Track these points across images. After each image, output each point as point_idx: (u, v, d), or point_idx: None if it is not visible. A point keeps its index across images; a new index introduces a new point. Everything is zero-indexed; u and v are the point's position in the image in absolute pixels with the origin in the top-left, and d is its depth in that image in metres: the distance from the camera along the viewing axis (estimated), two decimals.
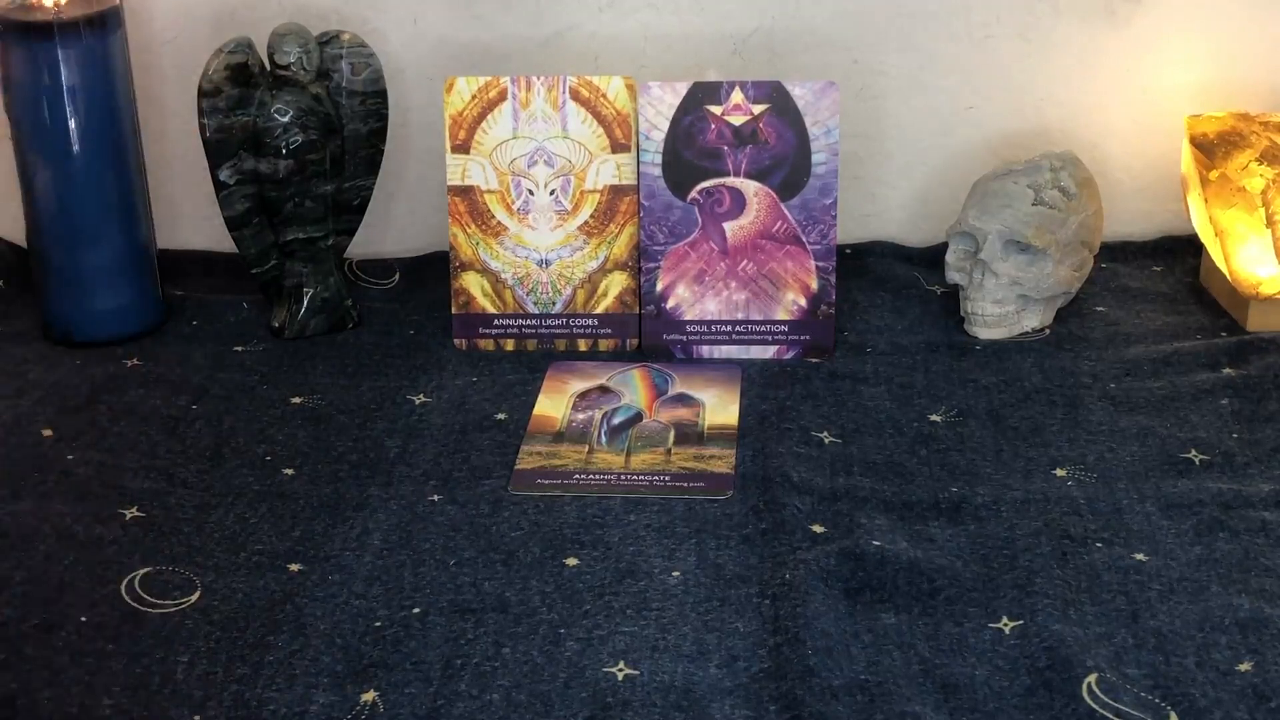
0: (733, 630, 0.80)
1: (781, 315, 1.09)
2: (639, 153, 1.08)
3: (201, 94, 1.06)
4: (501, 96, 1.07)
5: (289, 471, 0.95)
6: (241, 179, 1.08)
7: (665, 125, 1.07)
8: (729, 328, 1.09)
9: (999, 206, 1.09)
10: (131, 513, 0.91)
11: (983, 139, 1.24)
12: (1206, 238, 1.13)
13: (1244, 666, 0.77)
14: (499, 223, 1.09)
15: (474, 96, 1.07)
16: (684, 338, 1.10)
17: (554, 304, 1.10)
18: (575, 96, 1.07)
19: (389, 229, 1.26)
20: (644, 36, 1.21)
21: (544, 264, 1.10)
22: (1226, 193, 1.10)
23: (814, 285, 1.08)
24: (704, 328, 1.09)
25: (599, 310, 1.10)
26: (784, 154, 1.07)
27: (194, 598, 0.83)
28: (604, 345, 1.11)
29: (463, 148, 1.08)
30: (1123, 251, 1.23)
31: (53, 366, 1.08)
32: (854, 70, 1.21)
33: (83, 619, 0.81)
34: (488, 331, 1.11)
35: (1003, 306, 1.09)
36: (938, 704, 0.75)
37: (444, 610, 0.82)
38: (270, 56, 1.07)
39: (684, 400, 1.03)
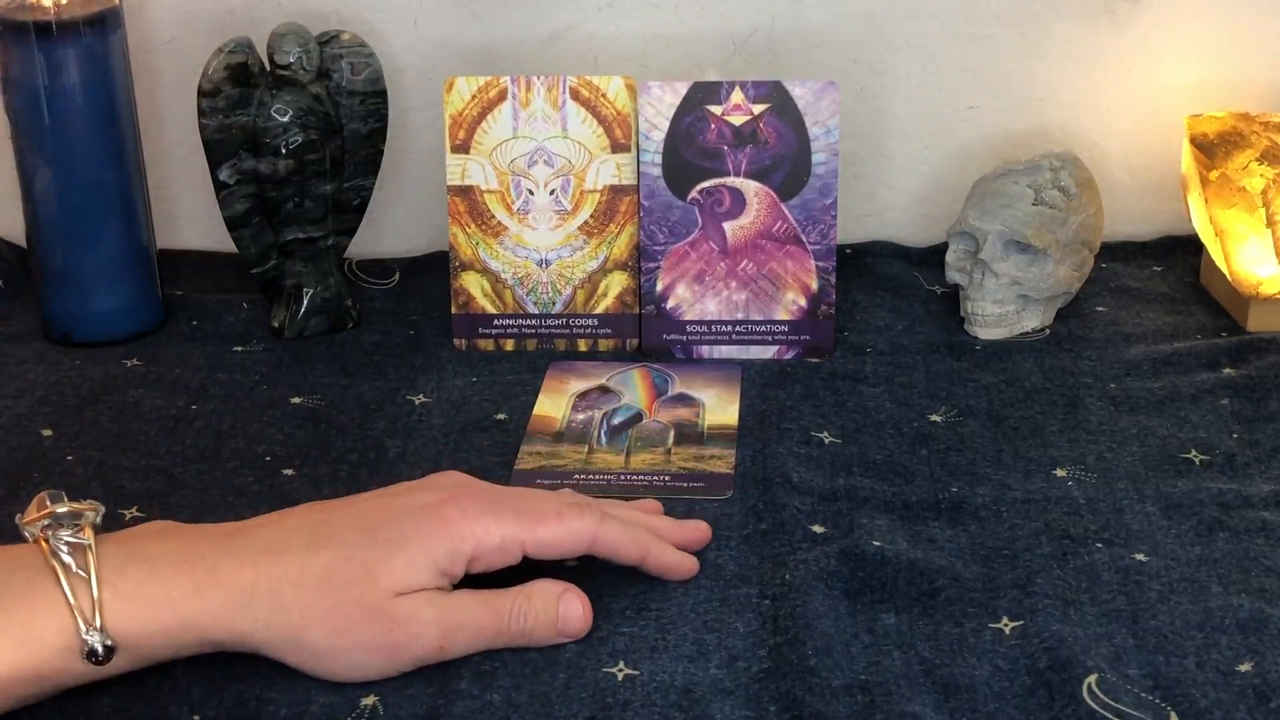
0: (733, 630, 0.80)
1: (781, 315, 1.09)
2: (639, 153, 1.08)
3: (201, 94, 1.06)
4: (501, 96, 1.07)
5: (289, 471, 0.95)
6: (241, 179, 1.08)
7: (665, 125, 1.07)
8: (729, 328, 1.09)
9: (999, 206, 1.09)
10: (131, 513, 0.91)
11: (983, 139, 1.24)
12: (1206, 238, 1.13)
13: (1244, 667, 0.77)
14: (499, 223, 1.09)
15: (474, 96, 1.07)
16: (684, 338, 1.10)
17: (554, 304, 1.10)
18: (575, 96, 1.07)
19: (389, 229, 1.26)
20: (644, 36, 1.21)
21: (544, 264, 1.10)
22: (1226, 193, 1.10)
23: (814, 285, 1.08)
24: (704, 328, 1.09)
25: (599, 310, 1.10)
26: (784, 154, 1.07)
27: None
28: (604, 345, 1.11)
29: (463, 147, 1.08)
30: (1123, 251, 1.23)
31: (53, 366, 1.08)
32: (854, 70, 1.21)
33: None
34: (488, 331, 1.11)
35: (1003, 306, 1.10)
36: (938, 704, 0.75)
37: None
38: (270, 56, 1.07)
39: (684, 400, 1.03)
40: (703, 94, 1.07)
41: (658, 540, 0.83)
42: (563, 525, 0.79)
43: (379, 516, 0.77)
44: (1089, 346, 1.10)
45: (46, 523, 0.74)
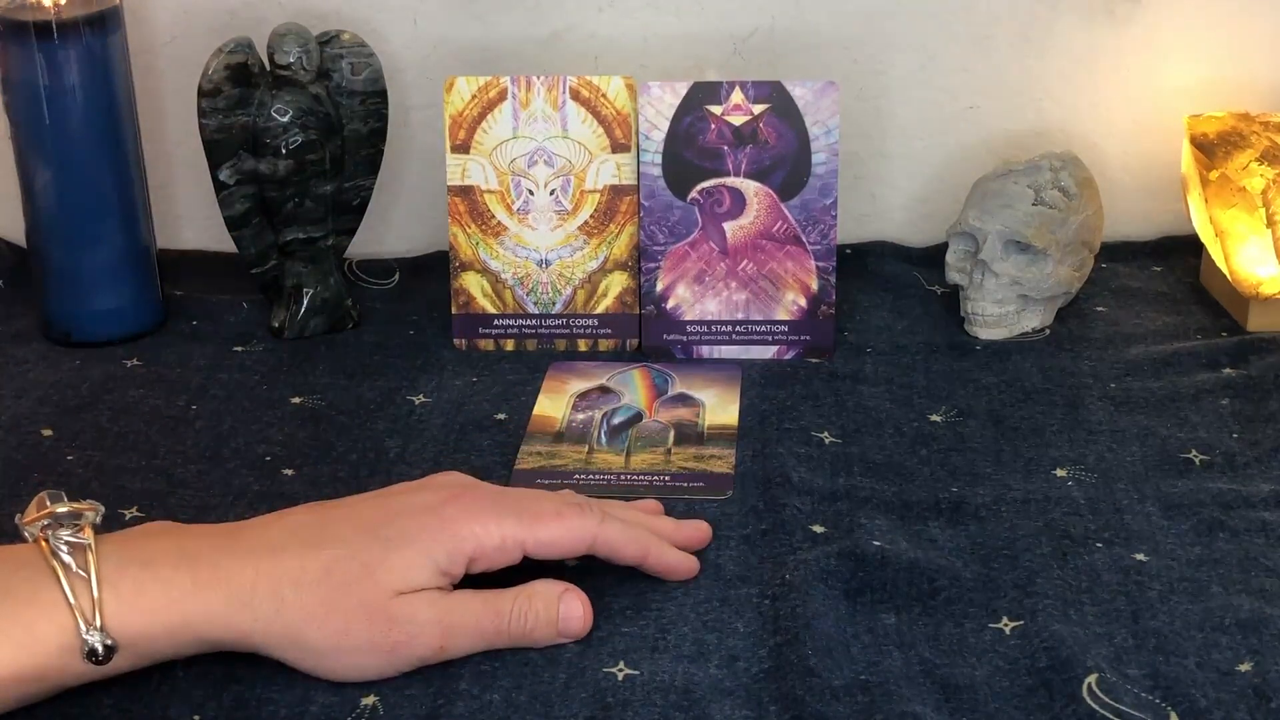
0: (733, 630, 0.80)
1: (781, 315, 1.09)
2: (639, 153, 1.08)
3: (201, 94, 1.06)
4: (501, 96, 1.07)
5: (289, 471, 0.95)
6: (241, 179, 1.08)
7: (665, 125, 1.07)
8: (729, 328, 1.09)
9: (999, 206, 1.09)
10: (131, 513, 0.91)
11: (983, 139, 1.24)
12: (1206, 238, 1.13)
13: (1244, 667, 0.77)
14: (499, 223, 1.09)
15: (474, 96, 1.07)
16: (684, 338, 1.10)
17: (554, 304, 1.10)
18: (575, 96, 1.07)
19: (389, 229, 1.26)
20: (644, 36, 1.21)
21: (544, 264, 1.10)
22: (1226, 193, 1.10)
23: (814, 285, 1.08)
24: (704, 328, 1.09)
25: (599, 310, 1.10)
26: (784, 154, 1.07)
27: None
28: (604, 345, 1.11)
29: (463, 147, 1.08)
30: (1123, 251, 1.23)
31: (53, 366, 1.08)
32: (854, 70, 1.21)
33: None
34: (488, 331, 1.11)
35: (1003, 306, 1.10)
36: (938, 704, 0.75)
37: None
38: (270, 56, 1.07)
39: (684, 400, 1.03)
40: (703, 94, 1.06)
41: (658, 540, 0.83)
42: (563, 525, 0.79)
43: (379, 516, 0.77)
44: (1089, 346, 1.10)
45: (46, 522, 0.74)
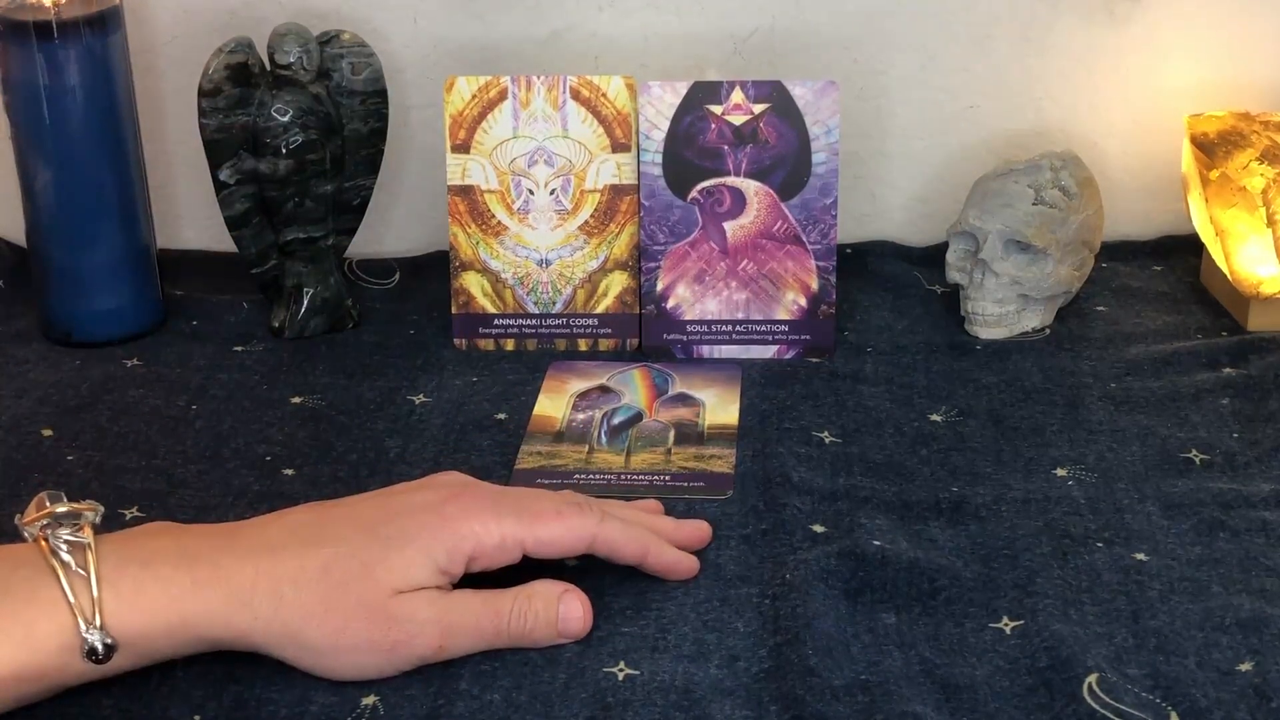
0: (733, 630, 0.80)
1: (781, 315, 1.09)
2: (639, 152, 1.08)
3: (201, 94, 1.06)
4: (501, 96, 1.07)
5: (289, 471, 0.95)
6: (241, 179, 1.08)
7: (665, 125, 1.07)
8: (729, 327, 1.09)
9: (999, 206, 1.09)
10: (131, 513, 0.91)
11: (983, 139, 1.24)
12: (1207, 238, 1.13)
13: (1245, 666, 0.77)
14: (499, 222, 1.09)
15: (474, 96, 1.07)
16: (684, 337, 1.10)
17: (554, 304, 1.10)
18: (575, 96, 1.07)
19: (389, 229, 1.26)
20: (644, 36, 1.21)
21: (544, 264, 1.10)
22: (1227, 192, 1.10)
23: (814, 285, 1.08)
24: (704, 327, 1.09)
25: (599, 310, 1.10)
26: (784, 154, 1.07)
27: None
28: (604, 345, 1.11)
29: (463, 147, 1.08)
30: (1123, 251, 1.23)
31: (53, 366, 1.08)
32: (854, 70, 1.21)
33: None
34: (488, 331, 1.11)
35: (1003, 306, 1.10)
36: (938, 704, 0.75)
37: None
38: (270, 56, 1.07)
39: (684, 400, 1.03)
40: (703, 94, 1.06)
41: (658, 540, 0.83)
42: (563, 524, 0.79)
43: (379, 515, 0.77)
44: (1089, 346, 1.10)
45: (46, 522, 0.74)
